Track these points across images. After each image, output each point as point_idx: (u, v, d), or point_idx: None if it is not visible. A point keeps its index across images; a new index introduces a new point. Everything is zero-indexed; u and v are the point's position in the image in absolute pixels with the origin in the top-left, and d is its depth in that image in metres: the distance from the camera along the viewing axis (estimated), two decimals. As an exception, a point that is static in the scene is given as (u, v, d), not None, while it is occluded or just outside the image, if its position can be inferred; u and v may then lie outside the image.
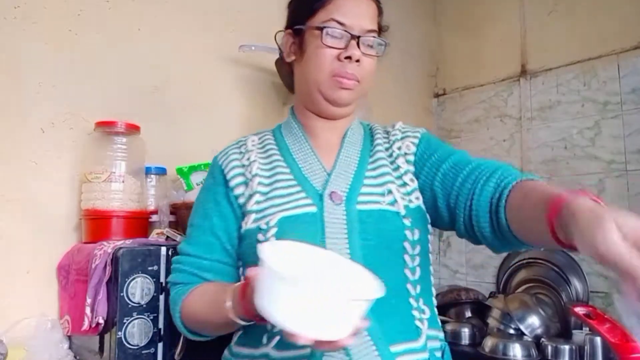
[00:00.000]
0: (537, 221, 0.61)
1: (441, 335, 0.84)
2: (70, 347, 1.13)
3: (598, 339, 1.41)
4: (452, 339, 1.63)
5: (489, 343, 1.53)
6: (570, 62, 1.98)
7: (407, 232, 0.80)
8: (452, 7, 2.43)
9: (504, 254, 2.09)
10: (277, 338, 0.73)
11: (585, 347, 1.43)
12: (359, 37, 0.83)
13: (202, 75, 1.57)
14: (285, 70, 1.64)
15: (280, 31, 0.93)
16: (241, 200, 0.84)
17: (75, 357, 1.12)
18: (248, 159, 0.87)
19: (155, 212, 1.27)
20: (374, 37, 0.86)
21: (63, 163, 1.24)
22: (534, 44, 2.11)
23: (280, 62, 1.59)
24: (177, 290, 0.83)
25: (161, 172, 1.35)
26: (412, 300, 0.79)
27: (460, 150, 0.88)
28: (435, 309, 0.86)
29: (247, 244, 0.81)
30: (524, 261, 1.99)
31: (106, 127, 1.21)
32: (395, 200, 0.82)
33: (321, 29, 0.83)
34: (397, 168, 0.88)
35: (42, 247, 1.19)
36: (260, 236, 0.77)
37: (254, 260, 0.72)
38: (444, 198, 0.83)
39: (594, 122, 1.90)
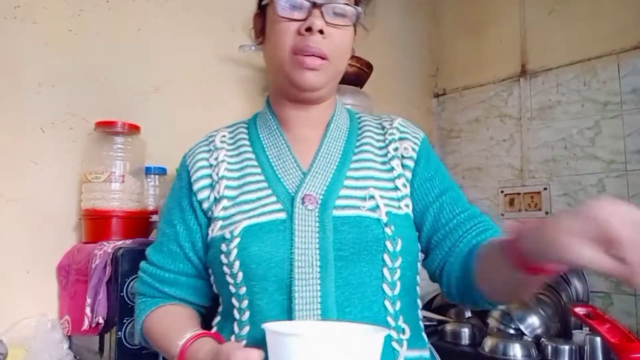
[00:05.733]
0: (499, 260, 0.60)
1: (426, 354, 0.74)
2: (70, 347, 1.13)
3: (598, 339, 1.41)
4: (452, 339, 1.63)
5: (489, 343, 1.53)
6: (570, 62, 1.98)
7: (388, 243, 0.70)
8: (452, 7, 2.43)
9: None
10: None
11: (585, 347, 1.43)
12: (321, 4, 0.71)
13: (202, 75, 1.56)
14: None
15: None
16: (205, 205, 0.76)
17: (75, 357, 1.12)
18: (216, 158, 0.78)
19: (155, 212, 1.27)
20: (345, 3, 0.73)
21: (63, 163, 1.24)
22: (534, 44, 2.11)
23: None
24: (141, 301, 0.80)
25: (161, 172, 1.35)
26: (389, 319, 0.70)
27: (453, 182, 0.82)
28: (421, 324, 0.78)
29: (213, 253, 0.74)
30: (524, 261, 1.99)
31: (106, 127, 1.21)
32: (377, 206, 0.72)
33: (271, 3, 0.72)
34: (391, 170, 0.78)
35: (42, 247, 1.19)
36: (223, 246, 0.70)
37: (220, 272, 0.71)
38: (431, 230, 0.77)
39: (594, 122, 1.90)
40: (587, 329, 1.46)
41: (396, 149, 0.80)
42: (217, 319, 0.79)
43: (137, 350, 0.96)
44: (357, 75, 1.51)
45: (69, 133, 1.26)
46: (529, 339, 1.55)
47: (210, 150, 0.80)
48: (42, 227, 1.20)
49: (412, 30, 2.37)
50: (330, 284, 0.67)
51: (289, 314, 0.66)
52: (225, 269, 0.70)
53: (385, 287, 0.70)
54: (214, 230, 0.74)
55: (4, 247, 1.14)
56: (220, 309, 0.79)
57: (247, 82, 1.69)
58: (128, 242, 1.07)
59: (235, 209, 0.73)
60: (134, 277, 0.97)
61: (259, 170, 0.76)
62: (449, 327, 1.66)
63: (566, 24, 2.00)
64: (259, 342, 0.60)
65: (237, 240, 0.69)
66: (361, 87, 1.55)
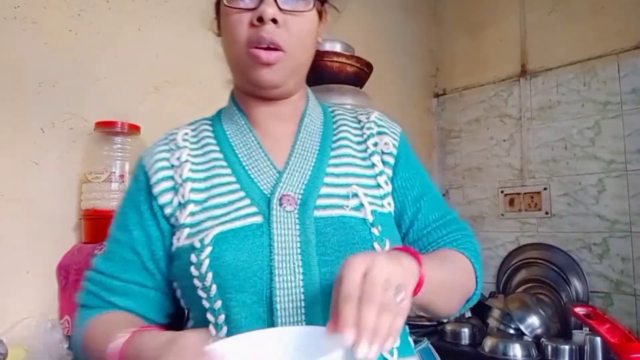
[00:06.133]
0: None
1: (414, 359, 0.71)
2: (70, 347, 1.13)
3: (598, 339, 1.41)
4: (452, 339, 1.63)
5: (489, 343, 1.53)
6: (570, 62, 1.98)
7: (376, 245, 0.65)
8: (452, 7, 2.44)
9: (504, 254, 2.09)
10: None
11: (585, 347, 1.43)
12: None
13: (202, 75, 1.56)
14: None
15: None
16: (168, 210, 0.67)
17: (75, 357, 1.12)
18: (178, 158, 0.70)
19: (155, 212, 1.27)
20: None
21: (63, 163, 1.24)
22: (534, 44, 2.11)
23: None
24: (81, 314, 0.69)
25: (161, 172, 1.35)
26: None
27: (432, 183, 0.79)
28: (407, 328, 0.74)
29: (180, 264, 0.65)
30: (524, 261, 2.00)
31: (106, 127, 1.21)
32: (362, 205, 0.67)
33: None
34: (372, 166, 0.73)
35: (42, 247, 1.19)
36: (193, 257, 0.62)
37: (190, 285, 0.63)
38: (405, 232, 0.74)
39: (594, 122, 1.90)
40: (587, 329, 1.46)
41: (375, 144, 0.75)
42: None
43: (137, 350, 0.96)
44: (357, 75, 1.51)
45: (69, 133, 1.26)
46: (529, 339, 1.55)
47: (171, 149, 0.71)
48: (42, 227, 1.20)
49: (412, 30, 2.37)
50: (315, 292, 0.60)
51: (268, 327, 0.59)
52: (197, 281, 0.62)
53: None
54: (180, 239, 0.65)
55: (4, 247, 1.14)
56: (189, 324, 0.69)
57: (247, 82, 1.68)
58: (128, 242, 1.07)
59: (204, 214, 0.65)
60: (134, 277, 0.97)
61: (228, 170, 0.68)
62: (449, 327, 1.66)
63: (566, 24, 2.00)
64: None
65: (208, 249, 0.61)
66: (361, 87, 1.54)
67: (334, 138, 0.75)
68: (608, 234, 1.84)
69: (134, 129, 1.23)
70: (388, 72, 2.14)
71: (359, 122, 0.78)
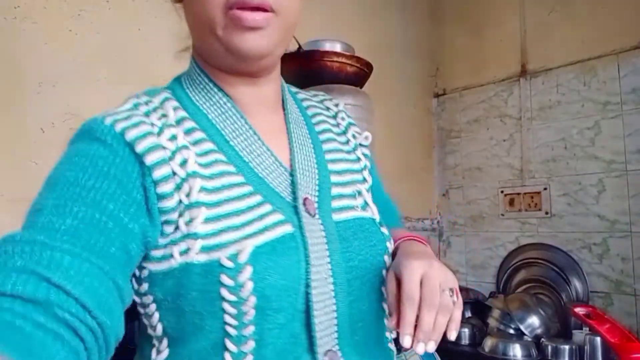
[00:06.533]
0: None
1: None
2: None
3: (598, 339, 1.41)
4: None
5: (489, 343, 1.53)
6: (570, 62, 1.98)
7: (388, 244, 0.63)
8: (452, 7, 2.44)
9: (504, 254, 2.09)
10: None
11: (585, 347, 1.43)
12: None
13: (202, 75, 1.56)
14: (286, 70, 1.64)
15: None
16: (166, 203, 0.51)
17: (75, 357, 1.12)
18: (172, 139, 0.53)
19: (155, 212, 1.27)
20: None
21: (63, 163, 1.24)
22: (534, 44, 2.11)
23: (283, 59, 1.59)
24: None
25: (161, 172, 1.35)
26: (388, 334, 0.65)
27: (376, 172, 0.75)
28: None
29: (194, 284, 0.51)
30: (524, 261, 2.00)
31: (106, 127, 1.21)
32: (367, 204, 0.64)
33: None
34: (358, 160, 0.68)
35: (42, 247, 1.19)
36: (225, 279, 0.49)
37: (205, 310, 0.50)
38: None
39: (594, 122, 1.90)
40: (587, 329, 1.46)
41: (354, 136, 0.70)
42: None
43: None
44: (357, 75, 1.51)
45: (69, 133, 1.26)
46: (529, 339, 1.55)
47: (153, 124, 0.53)
48: (42, 227, 1.20)
49: (412, 30, 2.37)
50: (345, 301, 0.57)
51: (305, 345, 0.54)
52: (227, 306, 0.50)
53: (384, 290, 0.61)
54: (191, 253, 0.50)
55: (4, 247, 1.14)
56: (156, 356, 0.55)
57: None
58: (128, 242, 1.07)
59: (221, 222, 0.52)
60: (134, 277, 0.97)
61: (232, 168, 0.55)
62: (449, 327, 1.66)
63: (566, 24, 2.00)
64: None
65: (249, 270, 0.50)
66: (361, 87, 1.54)
67: (317, 129, 0.67)
68: (608, 234, 1.84)
69: (134, 129, 1.23)
70: (388, 72, 2.14)
71: (328, 109, 0.72)
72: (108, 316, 0.43)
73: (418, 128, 2.39)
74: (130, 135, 0.51)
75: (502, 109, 2.19)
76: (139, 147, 0.50)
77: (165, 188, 0.51)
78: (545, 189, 2.02)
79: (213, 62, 0.59)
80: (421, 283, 0.51)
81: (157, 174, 0.50)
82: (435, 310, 0.50)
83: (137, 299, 0.55)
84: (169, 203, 0.51)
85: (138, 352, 0.59)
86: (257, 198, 0.55)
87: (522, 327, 1.58)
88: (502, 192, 2.16)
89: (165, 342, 0.55)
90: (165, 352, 0.54)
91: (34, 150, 1.20)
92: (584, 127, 1.93)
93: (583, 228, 1.90)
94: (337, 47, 1.52)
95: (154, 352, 0.55)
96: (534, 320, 1.60)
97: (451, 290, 0.54)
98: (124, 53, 1.38)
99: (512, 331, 1.59)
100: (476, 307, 1.87)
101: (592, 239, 1.88)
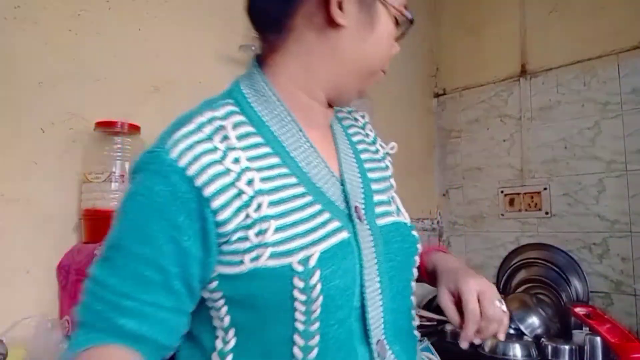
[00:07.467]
0: None
1: None
2: None
3: (598, 339, 1.41)
4: (452, 339, 1.63)
5: (489, 343, 1.53)
6: (570, 62, 1.98)
7: (418, 246, 0.72)
8: (452, 7, 2.43)
9: (504, 254, 2.09)
10: None
11: (585, 347, 1.43)
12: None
13: (202, 75, 1.56)
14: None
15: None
16: (227, 227, 0.57)
17: (75, 357, 1.12)
18: (235, 161, 0.59)
19: (155, 212, 1.27)
20: None
21: (63, 163, 1.24)
22: (534, 44, 2.11)
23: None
24: (79, 335, 0.57)
25: (161, 172, 1.35)
26: (414, 323, 0.74)
27: None
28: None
29: (268, 286, 0.58)
30: (524, 261, 2.00)
31: (106, 127, 1.21)
32: (399, 210, 0.73)
33: (410, 20, 0.72)
34: (387, 168, 0.79)
35: (42, 247, 1.19)
36: (297, 281, 0.56)
37: (278, 307, 0.58)
38: None
39: (594, 122, 1.90)
40: (587, 329, 1.46)
41: (382, 146, 0.81)
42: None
43: (137, 350, 0.96)
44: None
45: (69, 133, 1.26)
46: (529, 339, 1.55)
47: (217, 148, 0.58)
48: (42, 227, 1.20)
49: (412, 30, 2.37)
50: (388, 297, 0.65)
51: (360, 337, 0.63)
52: (298, 304, 0.57)
53: (413, 285, 0.73)
54: (261, 260, 0.57)
55: (4, 247, 1.14)
56: (235, 351, 0.61)
57: (247, 82, 1.68)
58: (128, 242, 1.07)
59: (289, 231, 0.59)
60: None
61: (294, 179, 0.62)
62: (449, 327, 1.66)
63: (566, 24, 2.00)
64: None
65: (318, 273, 0.57)
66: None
67: (354, 139, 0.77)
68: (608, 234, 1.84)
69: (134, 129, 1.23)
70: (388, 72, 2.14)
71: (357, 120, 0.81)
72: (174, 338, 0.60)
73: (418, 128, 2.39)
74: (192, 170, 0.56)
75: (502, 109, 2.19)
76: (199, 182, 0.56)
77: (225, 213, 0.57)
78: (545, 189, 2.02)
79: (326, 90, 0.68)
80: (478, 298, 0.66)
81: (216, 203, 0.56)
82: (492, 322, 0.66)
83: (206, 294, 0.62)
84: (230, 226, 0.58)
85: (193, 341, 0.64)
86: (317, 207, 0.62)
87: (522, 327, 1.58)
88: (502, 192, 2.16)
89: (232, 332, 0.61)
90: (232, 342, 0.61)
91: (34, 150, 1.20)
92: (584, 127, 1.93)
93: (583, 228, 1.90)
94: (337, 47, 1.52)
95: (219, 342, 0.62)
96: (534, 320, 1.60)
97: (499, 300, 0.67)
98: (124, 53, 1.38)
99: (512, 331, 1.59)
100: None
101: (592, 239, 1.88)
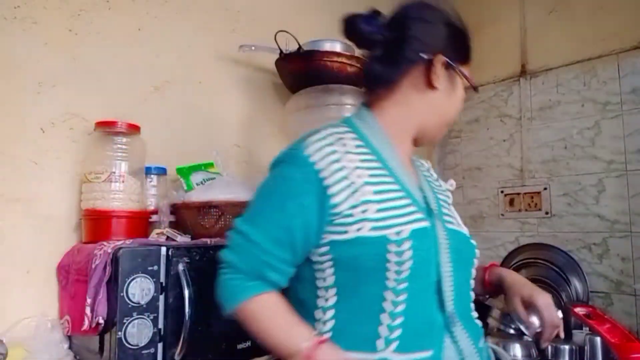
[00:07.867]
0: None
1: None
2: (70, 347, 1.13)
3: (598, 339, 1.41)
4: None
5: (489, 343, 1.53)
6: (570, 62, 1.98)
7: (476, 251, 0.92)
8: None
9: (504, 254, 2.09)
10: (397, 342, 0.75)
11: (585, 347, 1.43)
12: None
13: (202, 75, 1.57)
14: (286, 71, 1.64)
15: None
16: (340, 208, 0.79)
17: (75, 357, 1.12)
18: (350, 161, 0.82)
19: (155, 212, 1.27)
20: None
21: (63, 163, 1.24)
22: (534, 44, 2.11)
23: (280, 63, 1.59)
24: (235, 282, 0.79)
25: (161, 172, 1.35)
26: (473, 313, 0.91)
27: None
28: None
29: (368, 250, 0.78)
30: (524, 261, 2.00)
31: (106, 127, 1.21)
32: (460, 224, 0.94)
33: (474, 88, 0.99)
34: (449, 197, 1.01)
35: (42, 247, 1.19)
36: (392, 247, 0.76)
37: (375, 267, 0.77)
38: None
39: (594, 122, 1.90)
40: (587, 329, 1.46)
41: (443, 183, 1.06)
42: (334, 314, 0.79)
43: (137, 350, 0.96)
44: (357, 75, 1.51)
45: (69, 133, 1.26)
46: (529, 339, 1.55)
47: (337, 151, 0.82)
48: (42, 227, 1.20)
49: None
50: (456, 279, 0.83)
51: (436, 306, 0.80)
52: (392, 265, 0.76)
53: (472, 282, 0.92)
54: (363, 230, 0.78)
55: (4, 247, 1.14)
56: (336, 307, 0.79)
57: (247, 82, 1.69)
58: (128, 242, 1.07)
59: (387, 212, 0.79)
60: (134, 277, 0.97)
61: (392, 179, 0.85)
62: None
63: (566, 24, 2.00)
64: (416, 329, 0.76)
65: (409, 242, 0.77)
66: (361, 87, 1.55)
67: (422, 169, 1.02)
68: (608, 234, 1.84)
69: (134, 129, 1.23)
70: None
71: (422, 164, 1.05)
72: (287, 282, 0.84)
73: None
74: (319, 165, 0.80)
75: (502, 109, 2.19)
76: (323, 173, 0.80)
77: (339, 197, 0.79)
78: (545, 189, 2.02)
79: (415, 134, 0.94)
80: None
81: (333, 189, 0.79)
82: (558, 327, 0.99)
83: (315, 257, 0.81)
84: (342, 207, 0.79)
85: (296, 296, 0.84)
86: (407, 201, 0.83)
87: (522, 327, 1.58)
88: (502, 192, 2.16)
89: (333, 290, 0.80)
90: (334, 299, 0.80)
91: (34, 150, 1.20)
92: (584, 127, 1.93)
93: (583, 228, 1.90)
94: (337, 47, 1.52)
95: (320, 300, 0.81)
96: (534, 320, 1.60)
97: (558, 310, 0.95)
98: (124, 53, 1.38)
99: (512, 331, 1.59)
100: (476, 307, 1.86)
101: (592, 239, 1.88)
